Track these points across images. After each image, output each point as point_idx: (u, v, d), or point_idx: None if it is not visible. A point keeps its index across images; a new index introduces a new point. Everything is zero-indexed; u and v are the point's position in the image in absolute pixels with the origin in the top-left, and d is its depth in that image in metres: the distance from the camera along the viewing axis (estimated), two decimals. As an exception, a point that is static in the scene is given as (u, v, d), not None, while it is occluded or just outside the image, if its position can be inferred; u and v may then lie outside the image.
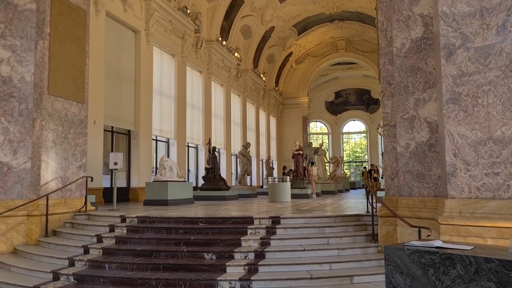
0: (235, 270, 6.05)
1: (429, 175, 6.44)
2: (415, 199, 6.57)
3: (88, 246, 7.14)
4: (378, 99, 37.79)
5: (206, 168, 17.92)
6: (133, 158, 16.32)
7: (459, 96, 5.50)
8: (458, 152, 5.47)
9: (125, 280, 5.90)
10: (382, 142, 37.01)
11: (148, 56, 17.22)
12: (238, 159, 22.05)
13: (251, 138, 29.24)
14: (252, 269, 6.04)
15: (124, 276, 5.98)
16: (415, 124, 6.62)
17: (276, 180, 15.54)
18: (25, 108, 8.71)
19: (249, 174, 21.97)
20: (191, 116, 21.18)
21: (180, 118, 19.66)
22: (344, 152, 43.10)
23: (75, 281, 6.14)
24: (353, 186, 35.50)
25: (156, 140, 18.47)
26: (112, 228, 7.78)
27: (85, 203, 9.39)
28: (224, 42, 24.52)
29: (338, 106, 43.69)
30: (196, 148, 22.40)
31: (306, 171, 19.61)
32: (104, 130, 14.72)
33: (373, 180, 19.27)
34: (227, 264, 6.12)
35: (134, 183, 16.19)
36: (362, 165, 43.13)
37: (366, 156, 43.70)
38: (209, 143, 18.28)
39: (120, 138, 16.43)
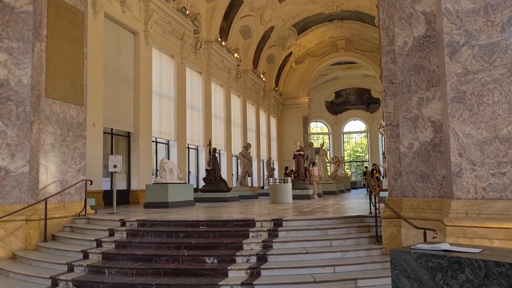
0: (237, 274, 5.94)
1: (434, 175, 6.33)
2: (420, 200, 6.45)
3: (88, 250, 7.03)
4: (378, 98, 37.74)
5: (206, 170, 17.82)
6: (133, 160, 16.22)
7: (464, 94, 5.39)
8: (464, 152, 5.36)
9: (125, 285, 5.80)
10: (383, 142, 36.93)
11: (147, 57, 17.11)
12: (238, 160, 21.94)
13: (251, 139, 29.13)
14: (254, 273, 5.93)
15: (124, 281, 5.88)
16: (418, 124, 6.51)
17: (277, 181, 15.42)
18: (23, 111, 8.61)
19: (250, 175, 21.83)
20: (191, 118, 21.07)
21: (180, 120, 19.56)
22: (345, 152, 42.97)
23: (74, 287, 6.03)
24: (354, 186, 35.37)
25: (156, 142, 18.37)
26: (111, 232, 7.67)
27: (85, 206, 9.29)
28: (223, 43, 24.42)
29: (339, 106, 43.58)
30: (197, 149, 22.29)
31: (307, 172, 19.49)
32: (104, 132, 14.61)
33: (375, 180, 19.15)
34: (228, 268, 6.02)
35: (134, 186, 16.08)
36: (363, 164, 43.02)
37: (367, 156, 43.59)
38: (210, 145, 18.17)
39: (120, 140, 16.33)
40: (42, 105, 8.68)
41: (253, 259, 6.30)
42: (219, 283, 5.65)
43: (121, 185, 15.68)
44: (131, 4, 15.91)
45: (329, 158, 32.73)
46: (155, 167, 17.55)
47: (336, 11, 29.57)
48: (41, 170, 8.62)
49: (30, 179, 8.56)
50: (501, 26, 5.16)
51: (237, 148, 26.02)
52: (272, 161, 28.83)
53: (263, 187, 29.30)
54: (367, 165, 37.41)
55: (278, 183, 14.86)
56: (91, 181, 9.56)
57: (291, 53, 34.70)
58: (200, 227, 7.52)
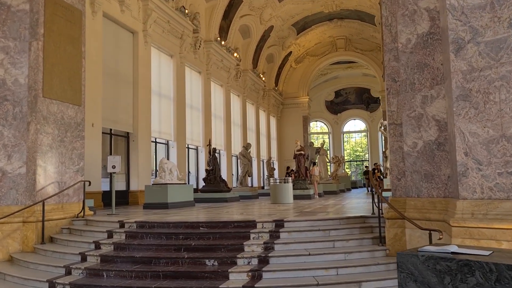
0: (238, 277, 5.82)
1: (438, 175, 6.21)
2: (424, 200, 6.33)
3: (86, 253, 6.90)
4: (378, 97, 37.62)
5: (206, 170, 17.70)
6: (132, 161, 16.09)
7: (470, 92, 5.27)
8: (470, 151, 5.24)
9: (124, 289, 5.67)
10: (383, 141, 36.82)
11: (146, 57, 16.99)
12: (238, 160, 21.82)
13: (251, 139, 29.00)
14: (256, 275, 5.81)
15: (123, 285, 5.75)
16: (422, 123, 6.38)
17: (278, 181, 15.30)
18: (20, 112, 8.48)
19: (250, 175, 21.72)
20: (190, 117, 20.94)
21: (179, 120, 19.43)
22: (345, 152, 42.86)
23: (72, 291, 5.91)
24: (354, 185, 35.27)
25: (156, 142, 18.24)
26: (110, 234, 7.54)
27: (83, 208, 9.15)
28: (223, 42, 24.29)
29: (338, 106, 43.50)
30: (196, 149, 22.16)
31: (307, 172, 19.37)
32: (103, 133, 14.50)
33: (377, 180, 19.03)
34: (229, 270, 5.89)
35: (133, 186, 15.96)
36: (362, 164, 42.92)
37: (367, 155, 43.48)
38: (209, 144, 18.04)
39: (119, 141, 16.20)
40: (39, 105, 8.55)
41: (255, 261, 6.17)
42: (220, 286, 5.52)
43: (120, 185, 15.55)
44: (129, 3, 15.78)
45: (329, 157, 32.61)
46: (154, 168, 17.42)
47: (335, 10, 29.45)
48: (39, 171, 8.49)
49: (27, 180, 8.43)
50: (508, 22, 5.04)
51: (237, 148, 25.89)
52: (272, 161, 28.70)
53: (263, 187, 29.18)
54: (367, 165, 37.27)
55: (278, 183, 14.74)
56: (90, 182, 9.42)
57: (290, 52, 34.58)
58: (200, 228, 7.39)
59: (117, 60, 15.62)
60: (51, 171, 8.80)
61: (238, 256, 6.26)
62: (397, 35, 6.78)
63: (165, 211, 11.10)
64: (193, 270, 6.01)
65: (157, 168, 14.27)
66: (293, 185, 15.30)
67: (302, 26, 31.70)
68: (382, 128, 13.64)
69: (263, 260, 6.17)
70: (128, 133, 16.15)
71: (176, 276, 5.92)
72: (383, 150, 30.90)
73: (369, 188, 26.57)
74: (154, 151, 18.01)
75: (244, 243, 6.65)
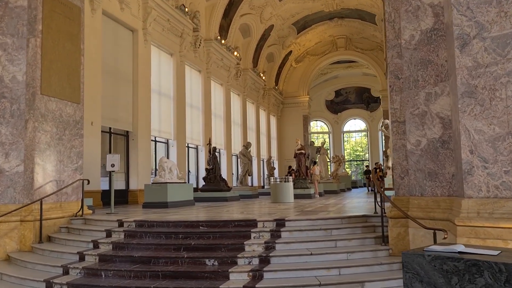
0: (238, 277, 5.71)
1: (443, 173, 6.10)
2: (428, 199, 6.22)
3: (84, 252, 6.80)
4: (378, 97, 37.52)
5: (206, 169, 17.60)
6: (132, 160, 15.98)
7: (475, 89, 5.16)
8: (475, 149, 5.13)
9: (122, 289, 5.56)
10: (383, 141, 36.70)
11: (146, 55, 16.88)
12: (238, 159, 21.71)
13: (251, 138, 28.89)
14: (256, 275, 5.70)
15: (121, 285, 5.64)
16: (426, 120, 6.27)
17: (278, 180, 15.19)
18: (17, 109, 8.37)
19: (250, 174, 21.61)
20: (190, 116, 20.84)
21: (179, 119, 19.32)
22: (345, 151, 42.74)
23: (69, 291, 5.81)
24: (354, 185, 35.17)
25: (155, 141, 18.13)
26: (109, 233, 7.44)
27: (82, 207, 9.05)
28: (223, 41, 24.17)
29: (338, 105, 43.39)
30: (196, 148, 22.06)
31: (308, 171, 19.26)
32: (102, 131, 14.39)
33: (379, 179, 18.92)
34: (230, 270, 5.78)
35: (133, 185, 15.85)
36: (362, 164, 42.82)
37: (367, 155, 43.38)
38: (209, 144, 17.94)
39: (118, 140, 16.10)
40: (37, 102, 8.44)
41: (256, 261, 6.07)
42: (220, 286, 5.42)
43: (119, 184, 15.44)
44: (129, 1, 15.67)
45: (329, 157, 32.50)
46: (154, 167, 17.32)
47: (336, 9, 29.34)
48: (37, 170, 8.39)
49: (25, 178, 8.32)
50: (515, 17, 4.93)
51: (237, 147, 25.79)
52: (272, 160, 28.60)
53: (263, 187, 29.07)
54: (368, 164, 37.17)
55: (279, 182, 14.63)
56: (88, 181, 9.32)
57: (291, 51, 34.47)
58: (200, 227, 7.29)
59: (117, 58, 15.52)
60: (49, 170, 8.69)
61: (238, 255, 6.16)
62: (400, 32, 6.67)
63: (165, 210, 11.00)
64: (193, 270, 5.90)
65: (157, 167, 14.17)
66: (294, 184, 15.19)
67: (302, 25, 31.59)
68: (383, 127, 13.52)
69: (264, 260, 6.07)
70: (127, 131, 16.05)
71: (176, 276, 5.82)
72: (384, 149, 30.80)
73: (370, 188, 26.50)
74: (154, 150, 17.91)
75: (245, 242, 6.54)
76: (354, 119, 43.73)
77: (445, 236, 5.07)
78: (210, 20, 22.81)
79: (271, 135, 35.03)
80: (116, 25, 15.53)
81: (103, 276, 6.08)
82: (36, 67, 8.44)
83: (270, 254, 6.16)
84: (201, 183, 18.63)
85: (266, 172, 28.67)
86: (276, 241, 6.57)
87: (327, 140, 41.20)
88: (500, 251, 3.56)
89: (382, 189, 7.27)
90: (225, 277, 5.73)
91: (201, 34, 21.51)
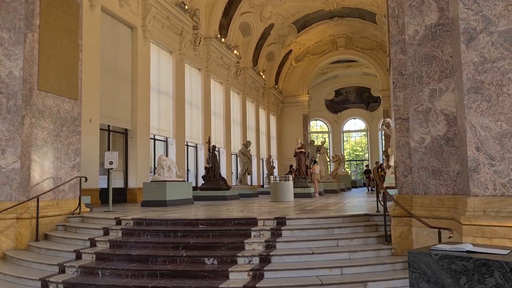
0: (238, 276, 5.59)
1: (447, 171, 5.98)
2: (432, 198, 6.10)
3: (81, 251, 6.67)
4: (378, 97, 37.40)
5: (206, 168, 17.47)
6: (131, 158, 15.85)
7: (482, 84, 5.04)
8: (481, 146, 5.01)
9: (119, 288, 5.43)
10: (383, 140, 36.58)
11: (145, 53, 16.74)
12: (238, 158, 21.59)
13: (251, 137, 28.76)
14: (257, 275, 5.57)
15: (118, 284, 5.52)
16: (430, 117, 6.15)
17: (278, 179, 15.07)
18: (14, 105, 8.23)
19: (250, 173, 21.49)
20: (190, 115, 20.71)
21: (179, 117, 19.19)
22: (345, 151, 42.61)
23: (65, 290, 5.68)
24: (354, 185, 35.05)
25: (154, 139, 18.00)
26: (106, 231, 7.30)
27: (79, 204, 8.92)
28: (223, 39, 24.03)
29: (338, 105, 43.27)
30: (196, 147, 21.93)
31: (308, 170, 19.14)
32: (100, 129, 14.26)
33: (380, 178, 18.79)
34: (229, 269, 5.65)
35: (131, 184, 15.72)
36: (362, 163, 42.71)
37: (366, 155, 43.26)
38: (209, 142, 17.82)
39: (117, 137, 15.96)
40: (34, 98, 8.31)
41: (256, 260, 5.94)
42: (220, 286, 5.29)
43: (118, 183, 15.31)
44: (128, -2, 15.54)
45: (329, 156, 32.39)
46: (153, 165, 17.19)
47: (336, 8, 29.20)
48: (33, 167, 8.25)
49: (21, 175, 8.18)
50: (524, 11, 4.81)
51: (236, 146, 25.66)
52: (272, 160, 28.48)
53: (262, 186, 28.94)
54: (368, 164, 37.05)
55: (279, 181, 14.51)
56: (86, 178, 9.18)
57: (291, 50, 34.33)
58: (199, 226, 7.16)
59: (116, 56, 15.38)
60: (46, 167, 8.55)
61: (238, 254, 6.03)
62: (404, 27, 6.55)
63: (164, 209, 10.87)
64: (192, 269, 5.78)
65: (156, 165, 14.04)
66: (294, 183, 15.07)
67: (302, 24, 31.46)
68: (384, 125, 13.39)
69: (265, 259, 5.95)
70: (126, 129, 15.91)
71: (174, 275, 5.69)
72: (383, 149, 30.68)
73: (370, 188, 26.38)
74: (153, 148, 17.78)
75: (245, 241, 6.42)
76: (354, 118, 43.61)
77: (451, 235, 4.94)
78: (210, 18, 22.68)
79: (270, 134, 34.91)
80: (115, 22, 15.40)
81: (100, 274, 5.95)
82: (33, 63, 8.30)
83: (271, 253, 6.04)
84: (200, 181, 18.51)
85: (265, 171, 28.54)
86: (276, 240, 6.44)
87: (326, 139, 41.08)
88: (510, 250, 3.44)
89: (385, 188, 7.14)
90: (225, 276, 5.61)
91: (201, 32, 21.36)
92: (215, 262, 5.98)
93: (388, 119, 13.37)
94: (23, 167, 8.20)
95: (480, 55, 5.07)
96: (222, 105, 25.20)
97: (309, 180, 18.47)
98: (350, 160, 44.03)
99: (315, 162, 20.93)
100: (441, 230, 5.23)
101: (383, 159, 30.95)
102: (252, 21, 27.32)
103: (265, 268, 5.66)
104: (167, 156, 17.08)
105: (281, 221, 6.99)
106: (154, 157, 17.37)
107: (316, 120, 43.40)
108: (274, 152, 35.15)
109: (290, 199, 13.81)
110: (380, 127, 31.59)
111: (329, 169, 27.57)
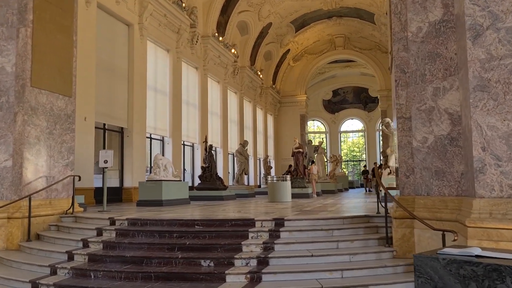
0: (235, 279, 5.41)
1: (451, 172, 5.82)
2: (435, 199, 5.93)
3: (73, 251, 6.47)
4: (376, 97, 37.28)
5: (202, 167, 17.29)
6: (126, 157, 15.64)
7: (488, 82, 4.88)
8: (487, 146, 4.85)
9: (112, 291, 5.24)
10: (380, 141, 36.48)
11: (141, 50, 16.53)
12: (235, 158, 21.41)
13: (248, 137, 28.58)
14: (254, 277, 5.40)
15: (111, 286, 5.32)
16: (433, 116, 5.99)
17: (276, 179, 14.89)
18: (6, 102, 8.02)
19: (247, 173, 21.32)
20: (186, 114, 20.51)
21: (175, 116, 18.99)
22: (342, 152, 42.48)
23: (56, 292, 5.48)
24: (351, 185, 34.94)
25: (151, 138, 17.79)
26: (99, 232, 7.10)
27: (72, 204, 8.72)
28: (220, 38, 23.84)
29: (336, 105, 43.13)
30: (192, 146, 21.73)
31: (306, 170, 18.98)
32: (96, 127, 14.05)
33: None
34: (226, 272, 5.47)
35: (127, 183, 15.51)
36: (359, 164, 42.60)
37: (364, 155, 43.14)
38: (206, 141, 17.63)
39: (113, 136, 15.75)
40: (27, 95, 8.10)
41: (253, 262, 5.76)
42: (216, 289, 5.12)
43: (113, 182, 15.11)
44: (125, -6, 15.33)
45: (326, 156, 32.25)
46: (149, 164, 16.98)
47: (335, 7, 29.06)
48: (25, 165, 8.05)
49: (13, 174, 7.98)
50: (532, 6, 4.65)
51: (233, 146, 25.47)
52: (269, 160, 28.31)
53: (259, 186, 28.78)
54: (365, 164, 36.95)
55: (276, 181, 14.33)
56: (79, 177, 8.98)
57: (288, 50, 34.16)
58: (196, 226, 6.98)
59: (112, 53, 15.16)
60: (39, 165, 8.35)
61: (235, 256, 5.85)
62: (407, 24, 6.38)
63: (159, 209, 10.68)
64: (187, 271, 5.59)
65: (152, 165, 13.84)
66: (291, 184, 14.89)
67: (300, 24, 31.30)
68: (384, 125, 13.23)
69: (263, 261, 5.77)
70: (122, 128, 15.70)
71: (169, 278, 5.50)
72: (381, 149, 30.57)
73: (367, 188, 26.24)
74: (149, 147, 17.57)
75: (242, 242, 6.23)
76: (352, 119, 43.48)
77: (455, 238, 4.77)
78: (208, 17, 22.48)
79: (268, 134, 34.73)
80: (111, 19, 15.19)
81: (92, 276, 5.76)
82: (26, 58, 8.09)
83: (269, 255, 5.86)
84: (197, 181, 18.32)
85: (262, 171, 28.36)
86: (275, 241, 6.26)
87: (324, 140, 40.93)
88: (521, 255, 3.27)
89: (385, 188, 6.97)
90: (221, 279, 5.43)
91: (198, 30, 21.16)
92: (212, 264, 5.80)
93: (387, 119, 13.23)
94: (15, 165, 7.99)
95: (487, 52, 4.91)
96: (219, 104, 25.00)
97: (306, 180, 18.30)
98: (347, 161, 43.91)
99: (312, 162, 20.77)
100: (445, 232, 5.07)
101: (380, 159, 30.86)
102: (250, 19, 27.14)
103: (263, 271, 5.49)
104: (163, 155, 16.86)
105: (279, 222, 6.82)
106: (150, 156, 17.16)
107: (314, 120, 43.25)
108: (271, 152, 34.99)
109: (288, 199, 13.64)
110: (380, 127, 31.46)
111: (326, 169, 27.43)
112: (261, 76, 31.71)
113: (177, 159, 18.47)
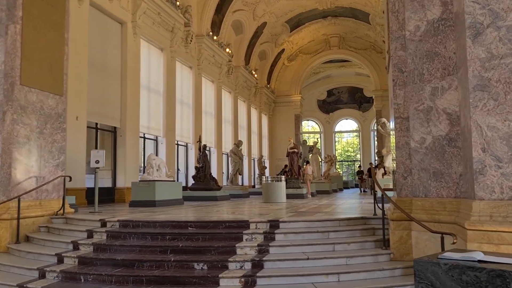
0: (229, 283, 5.27)
1: (449, 173, 5.71)
2: (433, 201, 5.82)
3: (63, 254, 6.31)
4: (371, 97, 37.27)
5: (196, 167, 17.12)
6: (119, 157, 15.44)
7: (489, 82, 4.77)
8: (488, 147, 4.74)
9: (102, 295, 5.09)
10: (375, 141, 36.48)
11: (135, 49, 16.33)
12: (229, 158, 21.26)
13: (242, 137, 28.42)
14: (249, 281, 5.26)
15: (101, 291, 5.17)
16: (431, 116, 5.88)
17: (270, 179, 14.75)
18: (-6, 100, 7.83)
19: (241, 173, 21.17)
20: (180, 113, 20.32)
21: (169, 115, 18.80)
22: (336, 152, 42.42)
23: (45, 297, 5.32)
24: (345, 185, 34.87)
25: (144, 138, 17.59)
26: (90, 234, 6.94)
27: (63, 205, 8.54)
28: (215, 37, 23.66)
29: (330, 105, 43.06)
30: (186, 146, 21.55)
31: (300, 170, 18.86)
32: (88, 127, 13.84)
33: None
34: (220, 275, 5.33)
35: (120, 183, 15.32)
36: (354, 164, 42.56)
37: (358, 155, 43.11)
38: (200, 141, 17.46)
39: (105, 136, 15.55)
40: (16, 93, 7.91)
41: (248, 265, 5.62)
42: (210, 294, 4.98)
43: (106, 182, 14.91)
44: (118, -8, 15.13)
45: (321, 157, 32.17)
46: (142, 164, 16.78)
47: (330, 7, 28.98)
48: (14, 165, 7.86)
49: (1, 174, 7.78)
50: (534, 4, 4.55)
51: (227, 146, 25.31)
52: (263, 160, 28.17)
53: (254, 186, 28.63)
54: (360, 165, 36.92)
55: (271, 182, 14.20)
56: (70, 177, 8.80)
57: (283, 50, 34.05)
58: (189, 228, 6.83)
59: (105, 52, 14.96)
60: (29, 165, 8.16)
61: (229, 259, 5.71)
62: (404, 22, 6.26)
63: (152, 209, 10.51)
64: (180, 274, 5.44)
65: (145, 165, 13.66)
66: (286, 184, 14.76)
67: (295, 23, 31.19)
68: (379, 125, 13.14)
69: (257, 265, 5.63)
70: (115, 127, 15.50)
71: (161, 282, 5.35)
72: (376, 150, 30.51)
73: (362, 189, 26.16)
74: (142, 147, 17.37)
75: (236, 245, 6.10)
76: (346, 119, 43.42)
77: (455, 240, 4.66)
78: (202, 15, 22.30)
79: (262, 134, 34.60)
80: (104, 16, 14.98)
81: (82, 280, 5.60)
82: (15, 56, 7.90)
83: (264, 258, 5.73)
84: (191, 181, 18.15)
85: (257, 172, 28.21)
86: (270, 244, 6.13)
87: (318, 140, 40.85)
88: (525, 260, 3.15)
89: (382, 189, 6.85)
90: (215, 283, 5.29)
91: (192, 29, 20.97)
92: (205, 267, 5.66)
93: (383, 119, 13.12)
94: (3, 165, 7.80)
95: (487, 51, 4.80)
96: (214, 104, 24.83)
97: (301, 180, 18.18)
98: (342, 161, 43.86)
99: (307, 162, 20.65)
100: (444, 235, 4.96)
101: (375, 160, 30.81)
102: (244, 19, 26.99)
103: (257, 274, 5.35)
104: (157, 155, 16.69)
105: (274, 224, 6.69)
106: (143, 156, 16.97)
107: (308, 120, 43.17)
108: (265, 152, 34.86)
109: (283, 200, 13.50)
110: (375, 127, 31.41)
111: (321, 169, 27.33)
112: (255, 75, 31.57)
113: (170, 159, 18.29)
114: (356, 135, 43.56)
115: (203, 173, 16.40)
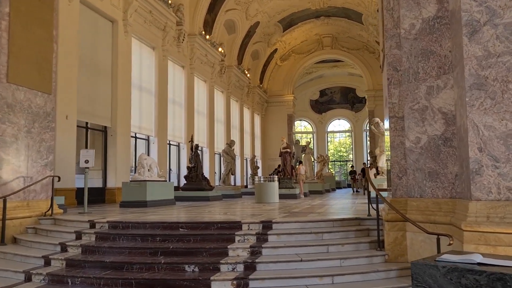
0: (221, 285, 5.14)
1: (444, 173, 5.63)
2: (428, 201, 5.74)
3: (50, 256, 6.14)
4: (364, 97, 37.28)
5: (188, 167, 16.96)
6: (110, 157, 15.23)
7: (485, 80, 4.69)
8: (484, 146, 4.66)
9: (90, 299, 4.94)
10: (368, 141, 36.51)
11: (126, 48, 16.13)
12: (221, 158, 21.11)
13: (235, 136, 28.27)
14: (241, 284, 5.14)
15: (89, 294, 5.02)
16: (427, 116, 5.80)
17: (263, 179, 14.63)
18: (-20, 98, 7.63)
19: (233, 173, 21.04)
20: (172, 113, 20.14)
21: (161, 115, 18.61)
22: (329, 152, 42.40)
23: (30, 301, 5.16)
24: (338, 185, 34.86)
25: (136, 138, 17.39)
26: (78, 235, 6.77)
27: (51, 205, 8.36)
28: (207, 37, 23.50)
29: (323, 105, 43.03)
30: (178, 146, 21.36)
31: (293, 170, 18.77)
32: (78, 126, 13.61)
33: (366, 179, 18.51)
34: (212, 278, 5.20)
35: (110, 183, 15.10)
36: (346, 164, 42.58)
37: (351, 155, 43.14)
38: (192, 141, 17.30)
39: (96, 135, 15.33)
40: (3, 91, 7.73)
41: (240, 268, 5.50)
42: (201, 297, 4.85)
43: (96, 182, 14.70)
44: (109, -10, 14.93)
45: (314, 157, 32.11)
46: (134, 164, 16.59)
47: (322, 7, 28.92)
48: (1, 165, 7.66)
49: (-13, 174, 7.60)
50: (532, 1, 4.48)
51: (220, 146, 25.15)
52: (256, 160, 28.04)
53: (246, 186, 28.49)
54: (353, 165, 36.93)
55: (263, 182, 14.07)
56: (59, 178, 8.62)
57: (276, 49, 33.95)
58: (180, 229, 6.69)
59: (95, 50, 14.74)
60: (16, 165, 7.97)
61: (221, 261, 5.59)
62: (399, 20, 6.18)
63: (143, 210, 10.35)
64: (171, 277, 5.30)
65: (136, 165, 13.48)
66: (278, 184, 14.65)
67: (288, 23, 31.10)
68: (372, 126, 13.06)
69: (250, 267, 5.51)
70: (106, 127, 15.29)
71: (151, 285, 5.21)
72: (369, 150, 30.51)
73: (355, 189, 26.13)
74: (133, 146, 17.17)
75: (228, 246, 5.97)
76: (339, 119, 43.42)
77: (451, 242, 4.58)
78: (195, 14, 22.12)
79: (255, 134, 34.47)
80: (94, 14, 14.76)
81: (70, 283, 5.45)
82: (1, 53, 7.71)
83: (256, 260, 5.60)
84: (183, 181, 17.98)
85: (249, 171, 28.08)
86: (262, 245, 6.01)
87: (311, 140, 40.81)
88: (526, 263, 3.06)
89: (376, 189, 6.76)
90: (207, 285, 5.16)
91: (185, 28, 20.79)
92: (196, 269, 5.52)
93: (376, 119, 13.04)
94: (-11, 165, 7.61)
95: (484, 49, 4.72)
96: (206, 103, 24.66)
97: (294, 180, 18.09)
98: (334, 161, 43.86)
99: (300, 162, 20.56)
100: (439, 236, 4.87)
101: (367, 160, 30.82)
102: (237, 18, 26.84)
103: (250, 277, 5.23)
104: (148, 155, 16.51)
105: (267, 225, 6.57)
106: (134, 156, 16.77)
107: (301, 120, 43.12)
108: (258, 152, 34.73)
109: (275, 200, 13.39)
110: (368, 127, 31.41)
111: (313, 169, 27.27)
112: (248, 75, 31.43)
113: (162, 159, 18.11)
114: (349, 135, 43.58)
115: (195, 173, 16.25)
